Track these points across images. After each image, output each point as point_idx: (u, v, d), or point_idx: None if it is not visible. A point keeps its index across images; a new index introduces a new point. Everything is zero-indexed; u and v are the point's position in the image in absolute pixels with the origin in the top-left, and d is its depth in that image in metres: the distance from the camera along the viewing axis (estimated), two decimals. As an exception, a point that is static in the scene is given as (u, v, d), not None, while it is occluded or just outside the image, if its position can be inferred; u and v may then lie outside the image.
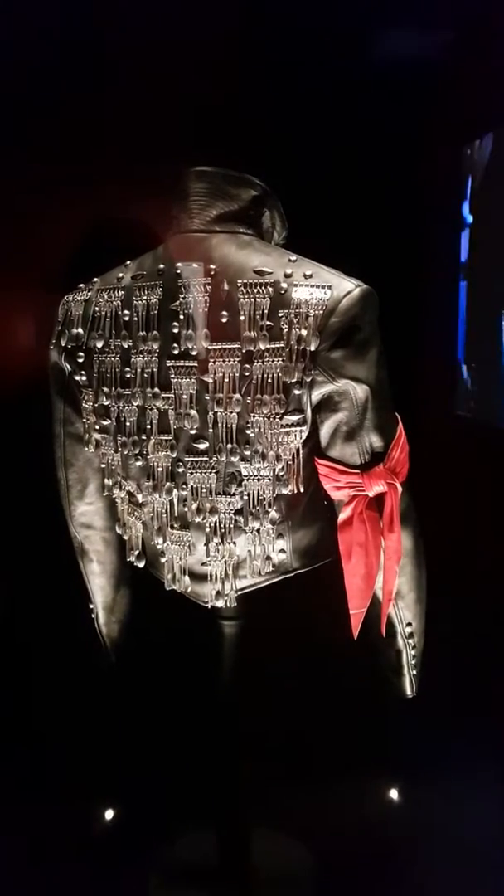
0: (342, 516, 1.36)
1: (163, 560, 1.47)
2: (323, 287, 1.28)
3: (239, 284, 1.31)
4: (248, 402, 1.31)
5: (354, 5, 1.85)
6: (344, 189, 2.01)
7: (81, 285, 1.47)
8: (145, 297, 1.37)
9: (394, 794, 2.10)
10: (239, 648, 1.61)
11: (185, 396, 1.36)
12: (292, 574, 1.45)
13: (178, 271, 1.36)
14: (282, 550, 1.42)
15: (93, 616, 1.71)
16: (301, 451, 1.35)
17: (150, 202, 1.52)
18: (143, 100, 1.78)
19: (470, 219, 2.40)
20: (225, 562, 1.42)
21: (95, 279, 1.46)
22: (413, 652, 1.52)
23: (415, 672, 1.54)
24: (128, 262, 1.46)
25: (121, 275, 1.43)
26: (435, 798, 2.01)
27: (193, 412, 1.35)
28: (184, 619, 1.58)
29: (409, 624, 1.49)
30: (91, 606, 1.70)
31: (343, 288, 1.28)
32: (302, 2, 1.78)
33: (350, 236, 1.74)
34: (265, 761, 1.72)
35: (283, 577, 1.45)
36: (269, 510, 1.37)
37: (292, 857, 1.84)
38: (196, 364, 1.34)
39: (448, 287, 2.39)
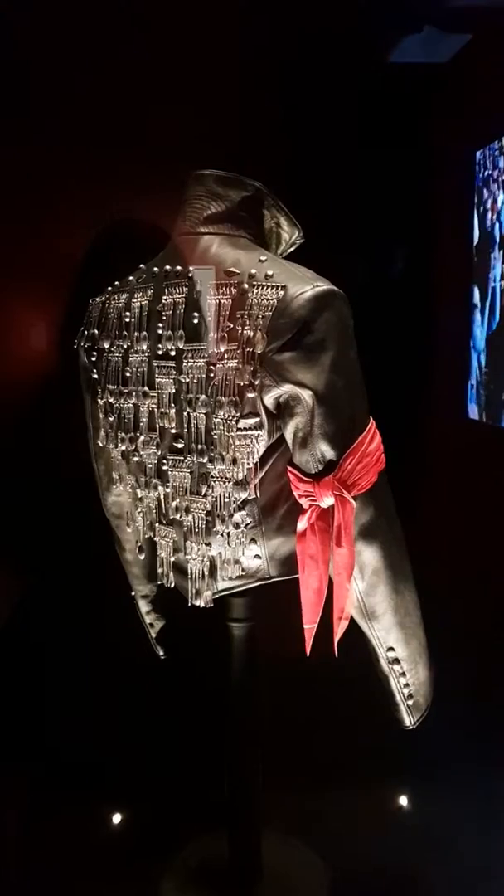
0: (299, 526, 1.30)
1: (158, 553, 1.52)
2: (277, 287, 1.23)
3: (209, 285, 1.31)
4: (212, 403, 1.31)
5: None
6: (349, 192, 1.89)
7: (109, 288, 1.56)
8: (140, 299, 1.43)
9: (404, 800, 2.00)
10: (248, 651, 1.60)
11: (165, 396, 1.39)
12: (269, 581, 1.41)
13: (165, 273, 1.39)
14: (256, 556, 1.39)
15: (134, 603, 1.80)
16: (266, 456, 1.31)
17: (172, 206, 1.55)
18: (157, 102, 1.81)
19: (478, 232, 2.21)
20: (202, 562, 1.42)
21: (117, 282, 1.54)
22: (403, 680, 1.40)
23: (410, 703, 1.42)
24: (141, 266, 1.52)
25: (131, 278, 1.50)
26: (441, 802, 1.91)
27: (172, 412, 1.38)
28: (195, 619, 1.60)
29: (391, 649, 1.38)
30: (132, 594, 1.79)
31: (298, 288, 1.22)
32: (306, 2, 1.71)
33: (360, 241, 1.65)
34: (272, 764, 1.68)
35: (259, 583, 1.42)
36: (235, 514, 1.35)
37: (299, 860, 1.80)
38: (174, 364, 1.36)
39: (460, 294, 2.14)
